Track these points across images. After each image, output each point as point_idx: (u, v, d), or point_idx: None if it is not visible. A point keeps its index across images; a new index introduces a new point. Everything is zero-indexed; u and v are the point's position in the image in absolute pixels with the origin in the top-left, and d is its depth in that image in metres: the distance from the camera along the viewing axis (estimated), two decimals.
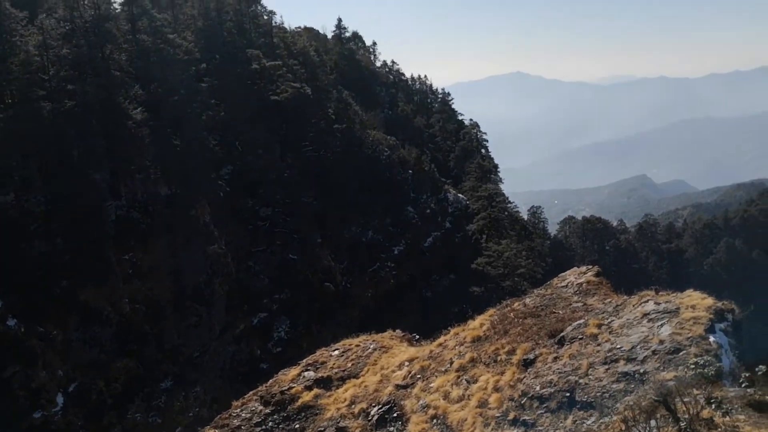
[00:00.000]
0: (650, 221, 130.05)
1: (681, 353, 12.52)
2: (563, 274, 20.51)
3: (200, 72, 66.11)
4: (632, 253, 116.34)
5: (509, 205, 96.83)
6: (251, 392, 19.41)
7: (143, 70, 57.28)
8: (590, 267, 20.35)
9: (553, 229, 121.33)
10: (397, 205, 79.98)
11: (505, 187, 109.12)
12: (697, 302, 14.05)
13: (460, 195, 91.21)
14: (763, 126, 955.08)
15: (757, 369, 11.06)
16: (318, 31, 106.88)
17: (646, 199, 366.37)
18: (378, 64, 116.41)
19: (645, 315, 14.35)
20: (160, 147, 53.87)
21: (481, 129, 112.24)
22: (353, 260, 72.71)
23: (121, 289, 47.70)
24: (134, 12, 58.98)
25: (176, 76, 58.92)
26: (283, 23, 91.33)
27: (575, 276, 19.76)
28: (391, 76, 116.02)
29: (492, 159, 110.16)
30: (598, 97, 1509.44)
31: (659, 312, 14.22)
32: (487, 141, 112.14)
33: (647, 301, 14.89)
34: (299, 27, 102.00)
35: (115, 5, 60.29)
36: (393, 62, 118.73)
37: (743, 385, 10.70)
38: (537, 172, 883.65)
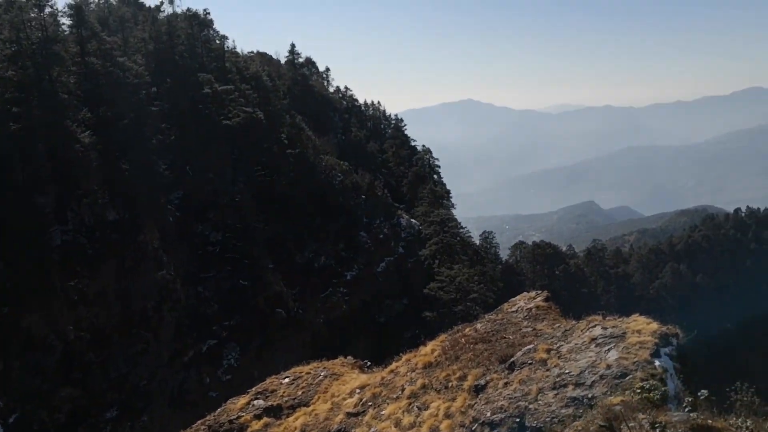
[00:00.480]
0: (598, 246, 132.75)
1: (627, 378, 12.71)
2: (513, 299, 20.68)
3: (151, 95, 65.25)
4: (581, 277, 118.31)
5: (461, 230, 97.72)
6: (199, 421, 18.98)
7: (92, 93, 56.18)
8: (540, 292, 20.58)
9: (504, 254, 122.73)
10: (350, 230, 79.91)
11: (457, 213, 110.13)
12: (642, 327, 14.31)
13: (412, 220, 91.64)
14: (705, 154, 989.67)
15: (699, 393, 11.31)
16: (271, 56, 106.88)
17: (594, 224, 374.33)
18: (331, 89, 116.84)
19: (593, 340, 14.54)
20: (108, 171, 52.77)
21: (434, 155, 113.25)
22: (305, 285, 72.09)
23: (66, 316, 46.29)
24: (83, 34, 57.83)
25: (126, 100, 57.95)
26: (235, 48, 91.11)
27: (525, 301, 19.95)
28: (345, 102, 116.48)
29: (444, 184, 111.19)
30: (546, 125, 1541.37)
31: (606, 337, 14.43)
32: (440, 167, 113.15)
33: (595, 326, 15.11)
34: (252, 52, 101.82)
35: (64, 27, 59.12)
36: (346, 88, 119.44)
37: (686, 410, 10.90)
38: (488, 197, 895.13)
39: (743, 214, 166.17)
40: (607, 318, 15.51)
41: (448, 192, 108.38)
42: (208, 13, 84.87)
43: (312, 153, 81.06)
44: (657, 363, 12.99)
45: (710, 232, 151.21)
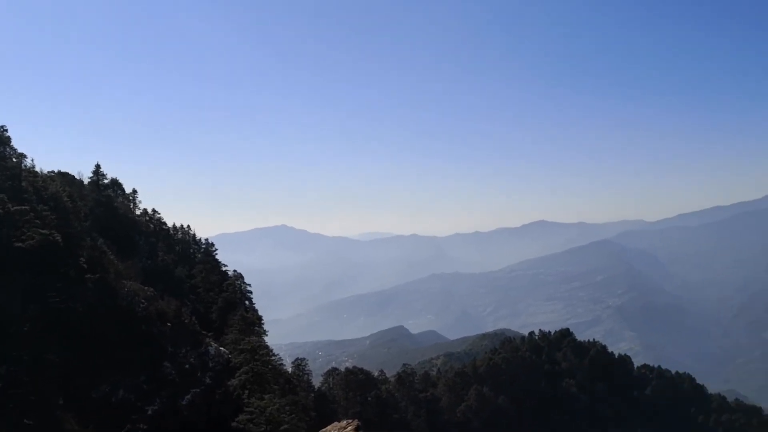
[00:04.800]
0: (408, 371, 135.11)
1: None
2: (325, 429, 20.36)
3: None
4: (392, 403, 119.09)
5: (273, 357, 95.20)
6: None
7: None
8: (350, 421, 20.39)
9: (317, 380, 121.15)
10: (154, 360, 75.01)
11: (270, 340, 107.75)
12: None
13: (222, 348, 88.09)
14: (500, 281, 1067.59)
15: None
16: (74, 176, 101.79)
17: (404, 348, 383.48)
18: (138, 212, 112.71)
19: None
20: None
21: (246, 280, 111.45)
22: (101, 423, 65.67)
23: None
24: None
25: None
26: (34, 167, 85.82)
27: (336, 431, 19.63)
28: (152, 225, 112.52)
29: (256, 311, 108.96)
30: (359, 251, 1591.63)
31: None
32: (251, 292, 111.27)
33: None
34: (53, 171, 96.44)
35: None
36: (154, 211, 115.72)
37: None
38: (302, 323, 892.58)
39: (537, 337, 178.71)
40: None
41: (260, 318, 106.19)
42: (6, 130, 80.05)
43: (114, 278, 76.51)
44: None
45: (509, 355, 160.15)
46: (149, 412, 70.79)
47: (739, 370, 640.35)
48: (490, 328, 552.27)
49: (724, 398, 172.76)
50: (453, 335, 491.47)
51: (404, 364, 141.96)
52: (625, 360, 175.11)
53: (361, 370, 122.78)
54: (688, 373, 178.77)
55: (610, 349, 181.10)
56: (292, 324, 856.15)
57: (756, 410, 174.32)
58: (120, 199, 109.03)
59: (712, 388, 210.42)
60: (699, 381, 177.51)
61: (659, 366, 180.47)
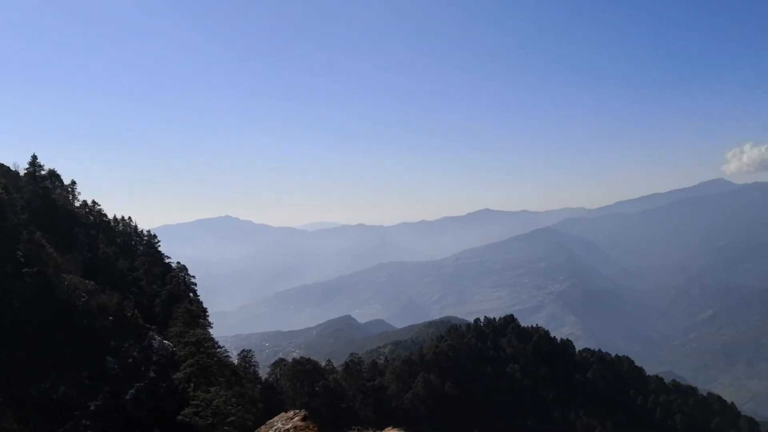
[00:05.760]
0: (356, 360, 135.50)
1: None
2: (271, 420, 20.34)
3: None
4: (340, 392, 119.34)
5: (219, 349, 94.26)
6: None
7: None
8: (297, 411, 20.48)
9: (264, 372, 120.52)
10: (96, 355, 73.47)
11: (215, 332, 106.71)
12: None
13: (166, 342, 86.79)
14: (446, 269, 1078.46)
15: None
16: (9, 167, 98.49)
17: (352, 338, 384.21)
18: (77, 204, 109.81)
19: None
20: None
21: (189, 272, 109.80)
22: (42, 420, 64.15)
23: None
24: None
25: None
26: None
27: (283, 422, 19.68)
28: (92, 217, 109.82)
29: (201, 303, 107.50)
30: (304, 242, 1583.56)
31: None
32: (196, 284, 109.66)
33: None
34: None
35: None
36: (94, 202, 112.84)
37: None
38: (248, 315, 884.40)
39: (482, 324, 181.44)
40: None
41: (204, 311, 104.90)
42: None
43: (52, 272, 74.53)
44: None
45: (455, 342, 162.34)
46: (92, 408, 69.37)
47: (675, 352, 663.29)
48: (436, 316, 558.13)
49: (661, 380, 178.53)
50: (400, 324, 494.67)
51: (352, 354, 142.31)
52: (567, 344, 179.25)
53: (309, 360, 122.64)
54: (627, 356, 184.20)
55: (552, 334, 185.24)
56: (238, 316, 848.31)
57: (692, 390, 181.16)
58: (58, 190, 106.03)
59: (650, 370, 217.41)
60: (638, 363, 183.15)
61: (600, 350, 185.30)
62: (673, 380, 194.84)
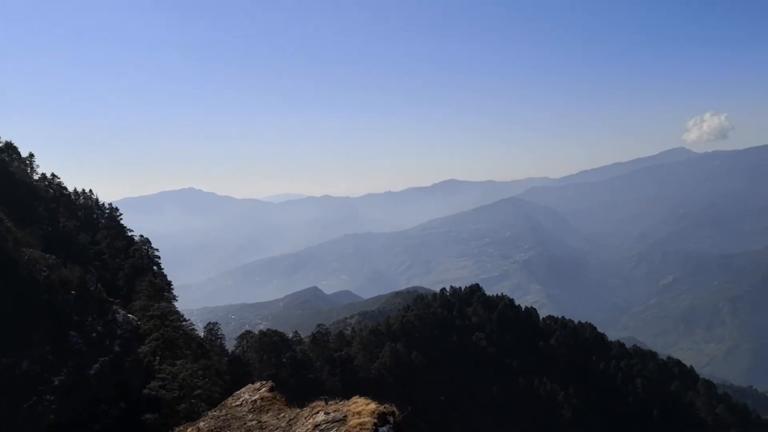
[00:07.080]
0: (323, 331, 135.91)
1: None
2: (238, 392, 20.25)
3: None
4: (307, 363, 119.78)
5: (184, 323, 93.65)
6: None
7: None
8: (264, 382, 20.41)
9: (231, 344, 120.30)
10: (59, 330, 72.46)
11: (180, 305, 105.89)
12: (362, 408, 14.86)
13: (130, 315, 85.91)
14: (413, 240, 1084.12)
15: None
16: None
17: (319, 309, 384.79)
18: (36, 177, 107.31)
19: (316, 426, 14.71)
20: None
21: (153, 245, 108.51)
22: (5, 396, 63.27)
23: None
24: None
25: None
26: None
27: (249, 393, 19.62)
28: (52, 190, 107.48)
29: (165, 276, 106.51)
30: (270, 214, 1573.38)
31: (329, 422, 14.70)
32: (159, 257, 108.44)
33: (318, 412, 15.33)
34: None
35: None
36: (53, 175, 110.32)
37: None
38: (213, 287, 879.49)
39: (448, 294, 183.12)
40: (330, 403, 15.86)
41: (169, 284, 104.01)
42: None
43: (12, 246, 72.98)
44: None
45: (421, 312, 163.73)
46: (56, 383, 68.58)
47: (636, 317, 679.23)
48: (403, 286, 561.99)
49: (622, 345, 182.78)
50: (367, 294, 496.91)
51: (318, 325, 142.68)
52: (531, 312, 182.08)
53: (275, 332, 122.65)
54: (590, 323, 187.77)
55: (517, 303, 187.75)
56: (204, 289, 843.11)
57: (652, 355, 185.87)
58: (16, 163, 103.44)
59: (612, 335, 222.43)
60: (600, 330, 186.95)
61: (563, 317, 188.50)
62: (634, 345, 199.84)
